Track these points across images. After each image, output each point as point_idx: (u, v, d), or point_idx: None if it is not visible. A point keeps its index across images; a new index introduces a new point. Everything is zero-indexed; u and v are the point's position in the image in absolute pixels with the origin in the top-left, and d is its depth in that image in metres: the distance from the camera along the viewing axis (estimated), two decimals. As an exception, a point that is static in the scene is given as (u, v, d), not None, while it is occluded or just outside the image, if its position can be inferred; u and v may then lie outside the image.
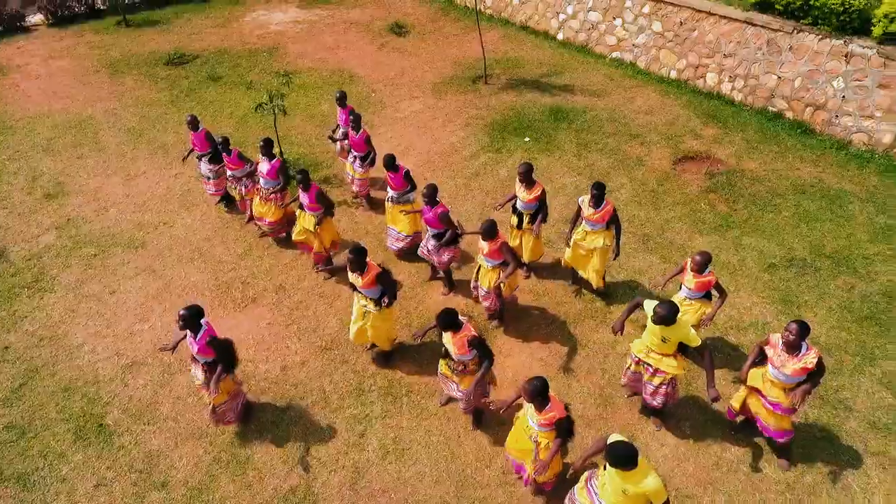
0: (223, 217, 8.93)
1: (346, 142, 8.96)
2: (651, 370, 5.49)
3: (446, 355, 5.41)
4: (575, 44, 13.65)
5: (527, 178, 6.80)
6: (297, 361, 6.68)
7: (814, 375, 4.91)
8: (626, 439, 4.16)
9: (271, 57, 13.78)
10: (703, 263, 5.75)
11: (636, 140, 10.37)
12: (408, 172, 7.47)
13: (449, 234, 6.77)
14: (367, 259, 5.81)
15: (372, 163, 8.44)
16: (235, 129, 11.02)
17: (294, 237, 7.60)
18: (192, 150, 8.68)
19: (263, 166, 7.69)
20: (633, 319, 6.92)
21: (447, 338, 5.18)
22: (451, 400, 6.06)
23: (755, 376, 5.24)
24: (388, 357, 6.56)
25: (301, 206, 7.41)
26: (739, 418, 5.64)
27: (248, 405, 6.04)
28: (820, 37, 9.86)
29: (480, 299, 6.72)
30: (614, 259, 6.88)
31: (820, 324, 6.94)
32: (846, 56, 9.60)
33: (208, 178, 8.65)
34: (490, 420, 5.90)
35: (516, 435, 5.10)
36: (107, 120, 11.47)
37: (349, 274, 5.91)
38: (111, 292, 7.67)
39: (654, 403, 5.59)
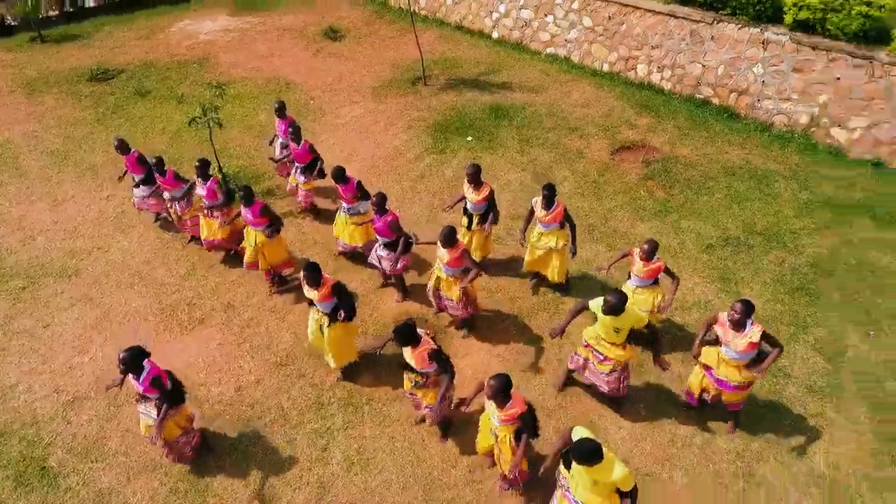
0: (162, 238, 8.60)
1: (288, 154, 8.79)
2: (600, 357, 5.64)
3: (408, 367, 5.38)
4: (510, 41, 13.85)
5: (475, 179, 6.86)
6: (252, 380, 6.52)
7: (773, 344, 5.17)
8: (588, 434, 4.25)
9: (202, 68, 13.35)
10: (651, 251, 5.96)
11: (575, 133, 10.62)
12: (359, 183, 7.38)
13: (401, 241, 6.74)
14: (323, 273, 5.72)
15: (320, 173, 8.25)
16: (169, 146, 10.63)
17: (246, 260, 7.36)
18: (126, 171, 8.32)
19: (200, 189, 7.47)
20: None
21: (407, 353, 5.15)
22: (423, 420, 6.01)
23: (709, 354, 5.48)
24: (352, 370, 6.43)
25: (246, 225, 7.24)
26: (708, 394, 5.71)
27: (203, 435, 5.80)
28: (738, 26, 10.37)
29: (449, 310, 6.66)
30: (573, 257, 7.01)
31: (756, 298, 7.27)
32: (763, 43, 10.15)
33: (142, 198, 8.33)
34: (454, 423, 5.91)
35: (483, 433, 5.16)
36: (27, 143, 10.83)
37: (305, 290, 5.80)
38: (45, 326, 7.26)
39: (605, 389, 5.73)
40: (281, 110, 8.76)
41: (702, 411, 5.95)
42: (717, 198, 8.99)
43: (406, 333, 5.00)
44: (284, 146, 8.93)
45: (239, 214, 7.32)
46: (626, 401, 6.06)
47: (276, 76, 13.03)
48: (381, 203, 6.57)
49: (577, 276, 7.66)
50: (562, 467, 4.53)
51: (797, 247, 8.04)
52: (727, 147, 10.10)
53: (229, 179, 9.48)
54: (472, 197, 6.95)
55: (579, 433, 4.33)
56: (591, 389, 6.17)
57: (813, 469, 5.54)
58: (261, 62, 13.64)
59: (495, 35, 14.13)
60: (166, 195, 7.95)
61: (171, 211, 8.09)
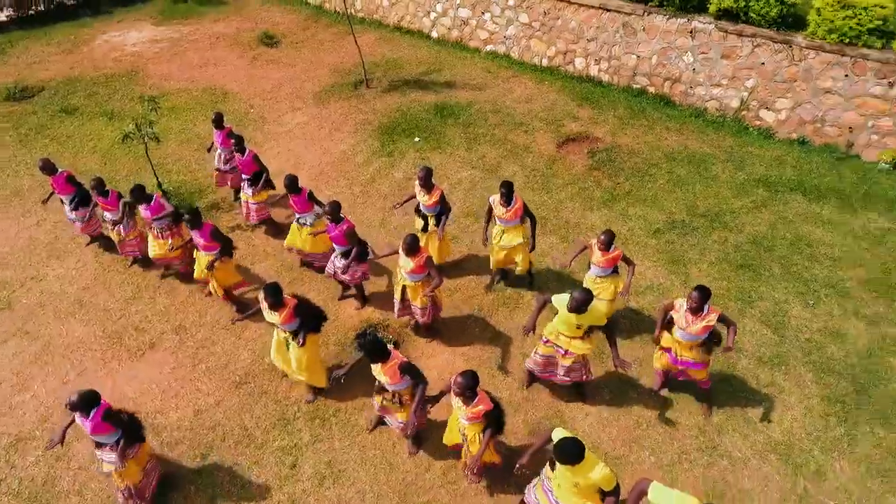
0: (102, 261, 8.17)
1: (234, 167, 8.54)
2: (562, 351, 5.72)
3: (381, 390, 5.30)
4: (449, 41, 13.89)
5: (426, 182, 6.83)
6: (212, 402, 6.28)
7: (727, 323, 5.40)
8: (569, 435, 4.28)
9: (132, 81, 12.76)
10: (608, 241, 6.09)
11: (520, 128, 10.76)
12: (311, 193, 7.22)
13: (355, 250, 6.64)
14: (283, 295, 5.54)
15: (267, 184, 8.02)
16: (102, 165, 10.12)
17: (196, 275, 7.11)
18: (52, 192, 7.86)
19: (144, 211, 7.14)
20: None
21: (377, 369, 5.06)
22: (380, 422, 5.95)
23: (668, 339, 5.66)
24: (321, 391, 6.28)
25: (196, 247, 6.96)
26: (673, 372, 5.90)
27: (164, 472, 5.53)
28: (666, 17, 10.75)
29: (418, 317, 6.60)
30: (531, 251, 7.08)
31: (704, 277, 7.61)
32: (691, 32, 10.56)
33: (74, 222, 7.91)
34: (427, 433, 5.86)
35: (452, 430, 5.16)
36: (-58, 170, 10.08)
37: (265, 313, 5.60)
38: (-22, 365, 6.78)
39: (568, 380, 5.82)
40: (218, 121, 8.48)
41: (666, 388, 6.15)
42: (660, 183, 9.30)
43: (376, 349, 4.90)
44: (228, 159, 8.65)
45: (191, 240, 7.03)
46: (590, 387, 6.18)
47: (212, 86, 12.61)
48: (335, 211, 6.45)
49: (533, 269, 7.74)
50: (547, 468, 4.57)
51: (738, 225, 8.42)
52: (666, 134, 10.46)
53: (169, 195, 9.11)
54: (424, 199, 6.93)
55: (560, 434, 4.37)
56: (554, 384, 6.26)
57: (770, 437, 5.81)
58: (195, 72, 13.17)
59: (434, 35, 14.15)
60: (108, 216, 7.55)
61: (114, 233, 7.69)
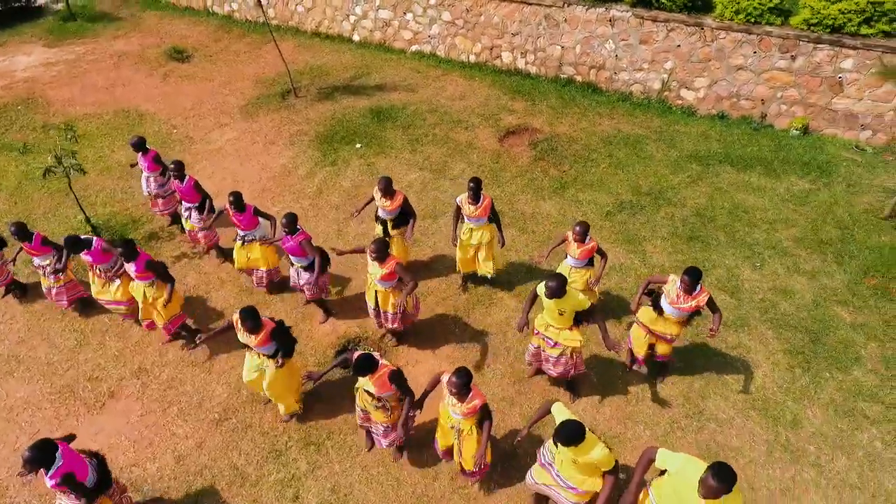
0: (32, 310, 7.39)
1: (159, 190, 8.00)
2: (551, 343, 5.81)
3: (365, 392, 5.14)
4: (373, 43, 13.71)
5: (388, 191, 6.71)
6: (192, 445, 5.85)
7: (713, 308, 5.63)
8: (566, 411, 4.38)
9: (30, 110, 11.62)
10: (583, 233, 6.21)
11: (460, 126, 10.81)
12: (256, 209, 6.90)
13: (317, 260, 6.40)
14: (261, 318, 5.25)
15: (211, 209, 7.54)
16: (11, 205, 9.16)
17: (141, 317, 6.59)
18: None
19: (85, 256, 6.50)
20: (514, 292, 7.32)
21: (364, 380, 4.91)
22: (372, 443, 5.81)
23: (646, 313, 5.88)
24: (299, 415, 6.03)
25: (129, 277, 6.47)
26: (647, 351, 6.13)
27: None
28: (586, 7, 11.16)
29: (387, 322, 6.44)
30: (501, 247, 7.10)
31: (660, 252, 8.00)
32: (610, 21, 11.03)
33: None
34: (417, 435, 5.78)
35: (442, 430, 5.13)
36: None
37: (240, 335, 5.28)
38: None
39: (555, 373, 5.92)
40: (140, 145, 7.85)
41: (643, 366, 6.41)
42: (602, 167, 9.66)
43: (367, 363, 4.76)
44: (163, 183, 8.09)
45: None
46: (581, 382, 6.28)
47: (124, 108, 11.73)
48: (292, 223, 6.20)
49: (502, 264, 7.81)
50: (549, 443, 4.64)
51: (680, 200, 8.90)
52: (598, 119, 10.87)
53: (100, 230, 8.40)
54: (385, 205, 6.82)
55: (558, 409, 4.46)
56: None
57: (747, 395, 6.20)
58: (102, 95, 12.19)
59: (356, 38, 13.91)
60: (36, 262, 6.83)
61: (43, 279, 6.97)
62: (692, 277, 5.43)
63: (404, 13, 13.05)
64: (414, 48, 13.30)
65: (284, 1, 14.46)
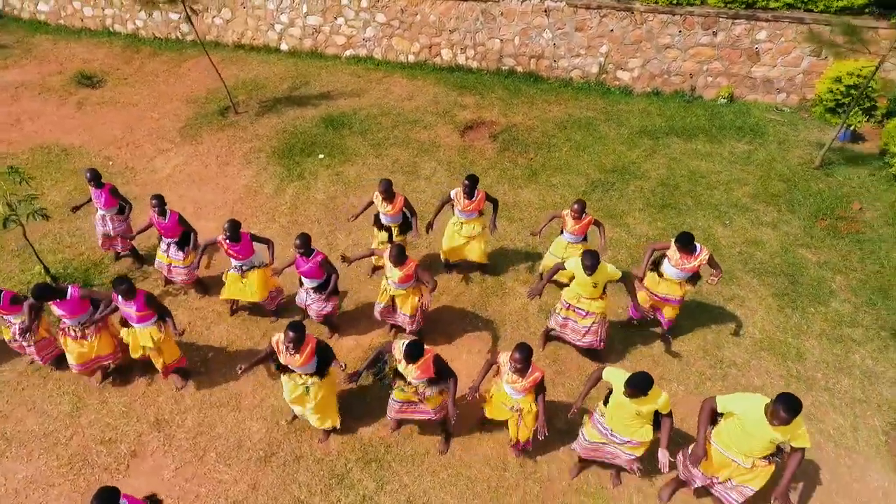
0: (5, 380, 6.55)
1: (117, 228, 7.38)
2: (583, 313, 6.10)
3: (401, 378, 5.17)
4: (303, 51, 13.32)
5: (389, 194, 6.67)
6: (245, 489, 5.51)
7: (714, 264, 6.09)
8: (618, 373, 4.69)
9: (-74, 157, 10.16)
10: (581, 209, 6.52)
11: (417, 126, 10.83)
12: (253, 235, 6.57)
13: (334, 278, 6.25)
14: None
15: (195, 244, 7.01)
16: (-61, 264, 8.01)
17: (135, 354, 6.05)
18: None
19: (58, 308, 5.78)
20: (521, 279, 7.55)
21: (410, 368, 4.93)
22: (401, 423, 5.84)
23: (651, 278, 6.30)
24: (333, 431, 5.87)
25: (126, 324, 5.90)
26: (653, 311, 6.56)
27: None
28: (520, 0, 11.56)
29: (405, 325, 6.41)
30: (493, 232, 7.25)
31: (640, 224, 8.53)
32: (545, 11, 11.50)
33: None
34: (458, 429, 5.85)
35: (495, 408, 5.25)
36: None
37: (282, 358, 5.04)
38: None
39: (583, 343, 6.22)
40: (96, 179, 7.13)
41: (640, 326, 6.84)
42: (565, 151, 10.10)
43: (418, 350, 4.82)
44: (122, 220, 7.46)
45: (106, 314, 5.92)
46: (603, 352, 6.60)
47: (41, 144, 10.58)
48: (307, 244, 6.00)
49: (494, 251, 7.97)
50: (600, 405, 4.96)
51: (643, 173, 9.53)
52: (547, 107, 11.33)
53: (59, 279, 7.59)
54: (387, 210, 6.78)
55: (610, 372, 4.77)
56: (569, 346, 6.62)
57: (754, 338, 6.83)
58: (9, 132, 10.92)
59: (285, 47, 13.44)
60: (12, 326, 6.06)
61: (13, 343, 6.22)
62: (682, 243, 5.86)
63: (335, 18, 12.80)
64: (349, 53, 13.09)
65: (200, 14, 13.63)
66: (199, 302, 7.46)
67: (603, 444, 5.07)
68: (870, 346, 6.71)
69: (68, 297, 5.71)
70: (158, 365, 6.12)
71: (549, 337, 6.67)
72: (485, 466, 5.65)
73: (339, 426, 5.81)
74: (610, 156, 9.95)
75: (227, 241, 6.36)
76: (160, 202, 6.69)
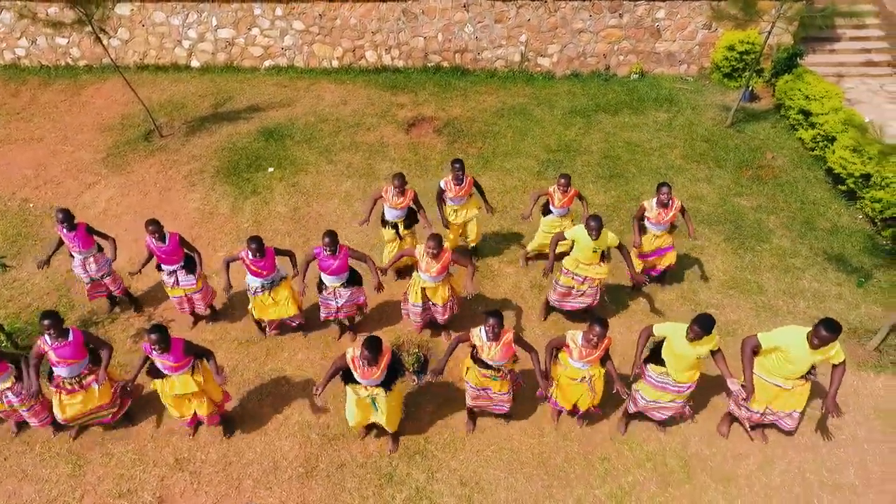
0: (-18, 452, 5.84)
1: (100, 271, 6.79)
2: (581, 279, 6.53)
3: (483, 365, 5.27)
4: (217, 66, 12.74)
5: (402, 188, 6.71)
6: (297, 502, 5.36)
7: (683, 211, 6.75)
8: (665, 326, 5.13)
9: None
10: (567, 183, 6.95)
11: (360, 128, 10.81)
12: (277, 249, 6.31)
13: (369, 263, 6.21)
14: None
15: (201, 264, 6.60)
16: None
17: (180, 413, 5.61)
18: None
19: (56, 351, 5.18)
20: (506, 260, 7.89)
21: (493, 348, 5.06)
22: (475, 423, 5.97)
23: (645, 242, 6.88)
24: (398, 434, 5.85)
25: (156, 374, 5.33)
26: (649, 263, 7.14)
27: None
28: (436, -3, 11.86)
29: (439, 315, 6.49)
30: (492, 213, 7.50)
31: (596, 194, 9.15)
32: (465, 6, 11.89)
33: None
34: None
35: (568, 391, 5.50)
36: None
37: (358, 374, 4.94)
38: None
39: (583, 305, 6.69)
40: (69, 220, 6.45)
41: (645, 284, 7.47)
42: (510, 137, 10.56)
43: (501, 321, 4.93)
44: (105, 262, 6.83)
45: (99, 370, 5.41)
46: (599, 310, 7.05)
47: (-62, 195, 9.35)
48: (335, 241, 5.91)
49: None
50: (651, 366, 5.37)
51: (587, 149, 10.20)
52: (480, 97, 11.74)
53: (17, 336, 6.85)
54: (396, 203, 6.80)
55: (661, 327, 5.20)
56: (569, 313, 7.04)
57: (721, 280, 7.63)
58: None
59: (196, 64, 12.79)
60: (-2, 385, 5.41)
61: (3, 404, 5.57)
62: (668, 188, 6.52)
63: (249, 29, 12.38)
64: (268, 63, 12.71)
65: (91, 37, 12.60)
66: (220, 329, 7.05)
67: (655, 402, 5.42)
68: (812, 271, 7.74)
69: (70, 338, 5.20)
70: (202, 411, 5.57)
71: (549, 308, 7.04)
72: (524, 436, 5.90)
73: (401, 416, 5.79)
74: (551, 136, 10.53)
75: (254, 256, 6.04)
76: (157, 227, 6.18)
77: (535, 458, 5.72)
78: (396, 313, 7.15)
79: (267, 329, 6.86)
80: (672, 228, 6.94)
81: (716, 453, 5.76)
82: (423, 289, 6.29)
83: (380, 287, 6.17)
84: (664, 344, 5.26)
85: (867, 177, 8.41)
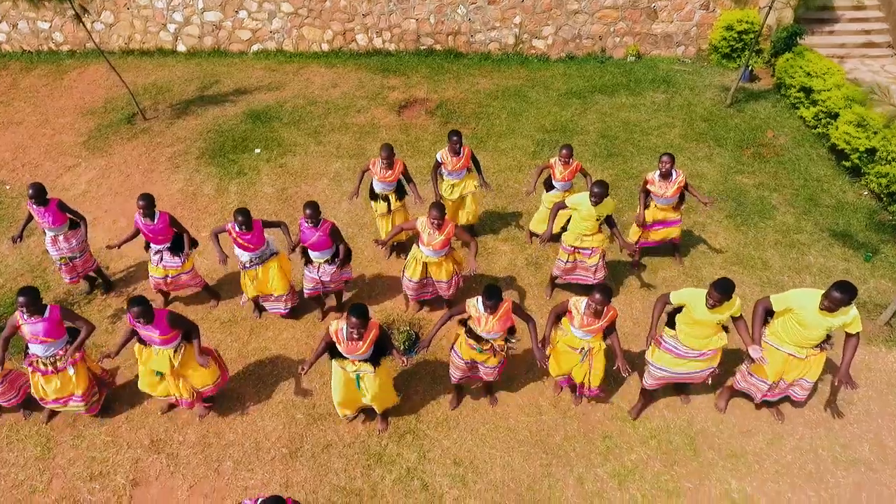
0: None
1: (73, 248, 6.44)
2: (588, 252, 6.24)
3: (474, 337, 4.96)
4: (204, 50, 12.44)
5: (390, 160, 6.42)
6: (277, 488, 5.03)
7: (689, 188, 6.48)
8: (680, 293, 4.83)
9: None
10: (569, 154, 6.66)
11: (351, 110, 10.51)
12: (265, 221, 5.98)
13: (342, 247, 5.91)
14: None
15: (193, 243, 6.24)
16: None
17: (150, 390, 5.29)
18: None
19: (30, 327, 4.86)
20: (501, 238, 7.60)
21: (489, 320, 4.76)
22: (461, 399, 5.67)
23: (649, 214, 6.61)
24: (388, 414, 5.53)
25: (142, 342, 5.03)
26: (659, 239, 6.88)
27: None
28: (430, -22, 11.60)
29: (442, 292, 6.18)
30: (488, 189, 7.21)
31: (594, 173, 8.80)
32: (457, -13, 11.63)
33: None
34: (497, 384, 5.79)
35: (562, 358, 5.20)
36: None
37: (342, 347, 4.63)
38: None
39: (597, 279, 6.38)
40: (40, 196, 6.09)
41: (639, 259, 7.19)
42: (504, 118, 10.28)
43: (498, 292, 4.63)
44: (80, 240, 6.49)
45: (79, 346, 5.07)
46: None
47: (-89, 177, 9.00)
48: (316, 211, 5.60)
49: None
50: (665, 329, 5.08)
51: (582, 129, 9.93)
52: (474, 80, 11.46)
53: (-14, 316, 6.51)
54: (385, 176, 6.50)
55: (677, 294, 4.90)
56: (574, 286, 6.74)
57: (725, 256, 7.35)
58: None
59: (182, 48, 12.47)
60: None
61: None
62: (670, 157, 6.24)
63: (236, 12, 12.08)
64: (256, 47, 12.41)
65: (88, 15, 12.25)
66: (220, 311, 6.70)
67: (673, 370, 5.11)
68: (818, 247, 7.47)
69: (46, 314, 4.87)
70: (185, 393, 5.22)
71: (554, 285, 6.74)
72: (521, 414, 5.60)
73: (397, 402, 5.48)
74: (547, 117, 10.26)
75: (240, 229, 5.71)
76: (148, 202, 5.82)
77: (533, 436, 5.41)
78: (387, 291, 6.86)
79: (262, 308, 6.53)
80: (680, 202, 6.64)
81: (723, 430, 5.47)
82: (426, 265, 5.99)
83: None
84: (682, 311, 4.95)
85: (872, 151, 8.16)
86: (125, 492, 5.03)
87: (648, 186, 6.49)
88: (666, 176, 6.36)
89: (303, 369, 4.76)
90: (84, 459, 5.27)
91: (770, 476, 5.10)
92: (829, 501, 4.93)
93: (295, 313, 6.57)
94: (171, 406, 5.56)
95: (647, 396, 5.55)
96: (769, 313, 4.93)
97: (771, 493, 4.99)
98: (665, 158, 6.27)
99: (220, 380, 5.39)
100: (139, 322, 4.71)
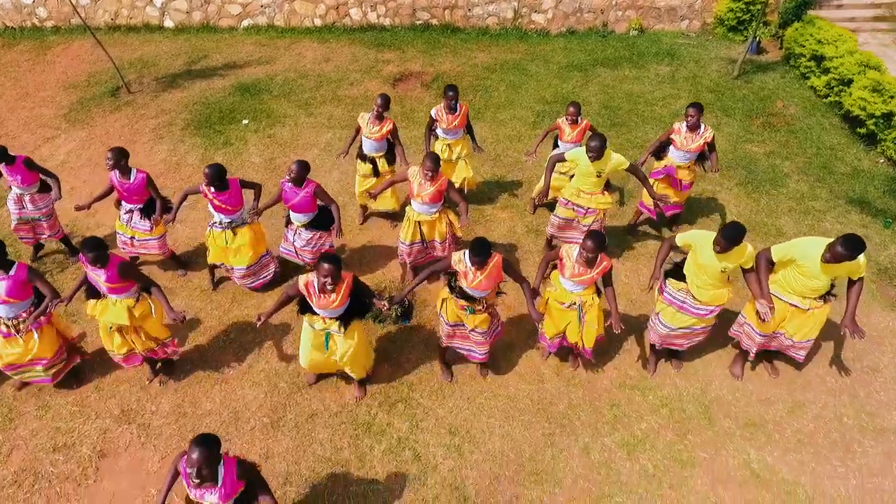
0: None
1: (38, 210, 6.04)
2: (583, 211, 5.83)
3: (462, 295, 4.57)
4: (193, 26, 12.05)
5: (382, 109, 6.02)
6: (257, 459, 4.58)
7: (711, 148, 6.07)
8: (696, 230, 4.45)
9: None
10: (577, 112, 6.26)
11: (344, 83, 10.12)
12: (242, 181, 5.54)
13: (334, 210, 5.49)
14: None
15: (166, 209, 5.80)
16: None
17: (117, 351, 4.87)
18: None
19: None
20: (498, 206, 7.21)
21: (476, 275, 4.36)
22: (451, 371, 5.28)
23: (658, 185, 6.24)
24: (366, 381, 5.14)
25: (93, 294, 4.70)
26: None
27: None
28: (426, -51, 11.21)
29: (437, 252, 5.78)
30: (480, 152, 6.83)
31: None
32: (454, -42, 11.25)
33: None
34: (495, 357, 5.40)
35: (556, 316, 4.80)
36: None
37: (314, 299, 4.25)
38: None
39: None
40: (2, 153, 5.74)
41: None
42: (502, 90, 9.89)
43: (485, 247, 4.24)
44: (46, 203, 6.10)
45: (49, 308, 4.63)
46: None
47: None
48: (302, 170, 5.20)
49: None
50: (670, 281, 4.70)
51: (584, 100, 9.53)
52: (471, 54, 11.07)
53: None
54: (373, 133, 6.09)
55: (687, 236, 4.53)
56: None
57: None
58: None
59: (169, 24, 12.08)
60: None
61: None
62: (698, 108, 5.81)
63: (226, -15, 11.69)
64: (247, 23, 12.02)
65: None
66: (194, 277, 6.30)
67: (673, 325, 4.76)
68: (833, 213, 7.09)
69: (12, 272, 4.47)
70: (139, 347, 4.84)
71: (552, 247, 6.36)
72: (521, 382, 5.20)
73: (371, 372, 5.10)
74: (547, 89, 9.87)
75: (213, 190, 5.29)
76: (119, 156, 5.38)
77: (535, 404, 5.01)
78: (376, 259, 6.47)
79: (216, 279, 6.13)
80: (701, 158, 6.22)
81: (739, 398, 5.07)
82: (419, 226, 5.58)
83: (339, 232, 5.53)
84: (688, 256, 4.59)
85: (889, 116, 7.78)
86: (91, 463, 4.62)
87: (673, 136, 6.07)
88: (693, 128, 5.95)
89: (258, 320, 4.38)
90: (48, 430, 4.86)
91: (792, 445, 4.71)
92: (858, 471, 4.53)
93: (279, 284, 6.17)
94: (152, 365, 5.14)
95: (657, 353, 5.19)
96: (771, 264, 4.56)
97: (793, 462, 4.59)
98: (692, 111, 5.85)
99: (170, 341, 5.01)
100: (93, 265, 4.37)
